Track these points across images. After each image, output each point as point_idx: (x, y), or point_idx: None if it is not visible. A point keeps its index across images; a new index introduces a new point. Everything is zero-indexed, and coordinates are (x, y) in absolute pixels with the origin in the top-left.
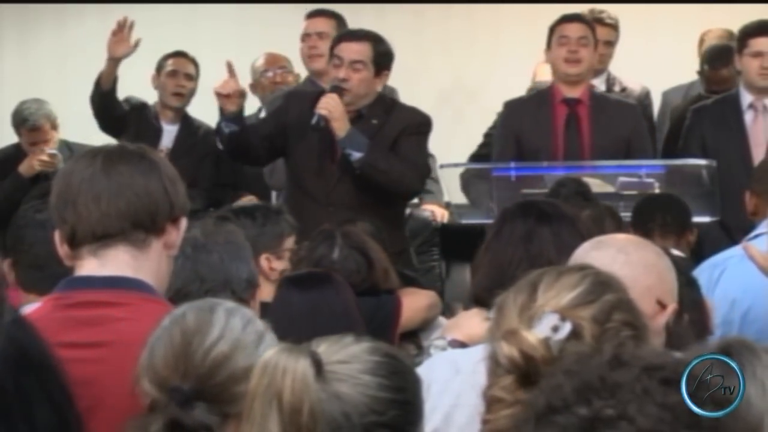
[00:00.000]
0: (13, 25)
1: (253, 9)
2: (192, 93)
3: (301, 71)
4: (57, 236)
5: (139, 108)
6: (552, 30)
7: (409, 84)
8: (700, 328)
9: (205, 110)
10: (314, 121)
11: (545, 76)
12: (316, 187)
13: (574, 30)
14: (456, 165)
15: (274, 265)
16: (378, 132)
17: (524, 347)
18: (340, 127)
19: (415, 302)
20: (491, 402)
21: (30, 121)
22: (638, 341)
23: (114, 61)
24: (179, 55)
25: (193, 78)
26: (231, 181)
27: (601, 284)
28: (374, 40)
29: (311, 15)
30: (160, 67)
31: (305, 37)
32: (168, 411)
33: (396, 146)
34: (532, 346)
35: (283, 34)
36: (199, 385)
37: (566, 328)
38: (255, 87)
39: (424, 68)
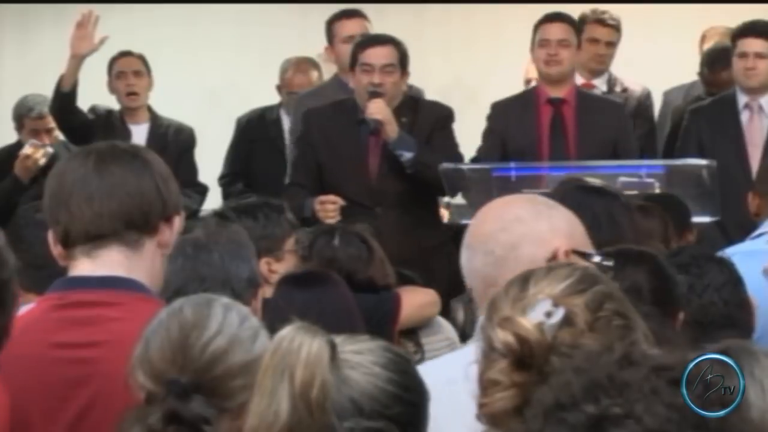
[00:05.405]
0: (13, 25)
1: (253, 9)
2: (147, 88)
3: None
4: (51, 236)
5: (105, 115)
6: (535, 29)
7: (409, 84)
8: (744, 328)
9: (204, 109)
10: (372, 127)
11: (535, 73)
12: (358, 193)
13: (554, 32)
14: (456, 165)
15: (274, 267)
16: (410, 130)
17: (519, 331)
18: (393, 129)
19: (414, 300)
20: (488, 385)
21: (35, 110)
22: (629, 331)
23: (76, 60)
24: (124, 55)
25: (142, 74)
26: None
27: (592, 276)
28: (395, 42)
29: (350, 16)
30: (109, 72)
31: (349, 39)
32: (166, 403)
33: (431, 142)
34: (527, 330)
35: (283, 34)
36: (196, 378)
37: (559, 313)
38: (280, 89)
39: (424, 68)
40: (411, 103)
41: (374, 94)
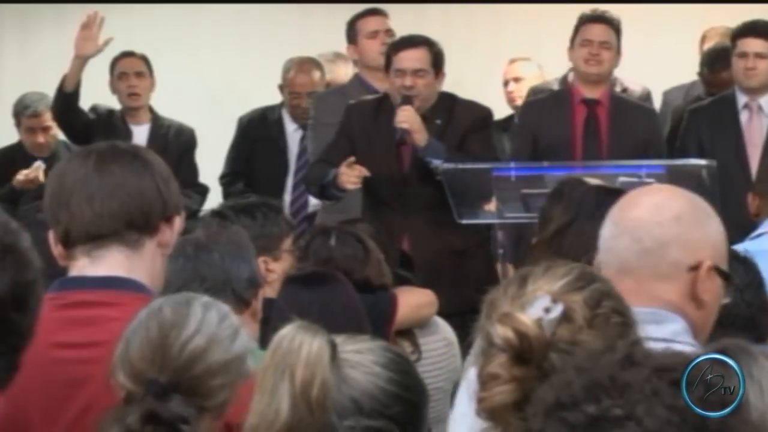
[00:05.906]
0: (13, 25)
1: (253, 9)
2: (149, 89)
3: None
4: (51, 236)
5: (106, 115)
6: (576, 29)
7: None
8: (764, 331)
9: (204, 109)
10: (398, 136)
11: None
12: (390, 194)
13: (597, 33)
14: (456, 165)
15: (271, 267)
16: (444, 132)
17: (518, 327)
18: (421, 138)
19: (411, 300)
20: (487, 379)
21: (31, 108)
22: (627, 329)
23: (80, 61)
24: (126, 55)
25: (144, 75)
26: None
27: (589, 274)
28: (428, 43)
29: (372, 13)
30: (111, 72)
31: (373, 34)
32: (144, 403)
33: (464, 145)
34: (526, 325)
35: (283, 34)
36: (175, 378)
37: (558, 309)
38: (282, 88)
39: None
40: (448, 103)
41: (406, 99)
